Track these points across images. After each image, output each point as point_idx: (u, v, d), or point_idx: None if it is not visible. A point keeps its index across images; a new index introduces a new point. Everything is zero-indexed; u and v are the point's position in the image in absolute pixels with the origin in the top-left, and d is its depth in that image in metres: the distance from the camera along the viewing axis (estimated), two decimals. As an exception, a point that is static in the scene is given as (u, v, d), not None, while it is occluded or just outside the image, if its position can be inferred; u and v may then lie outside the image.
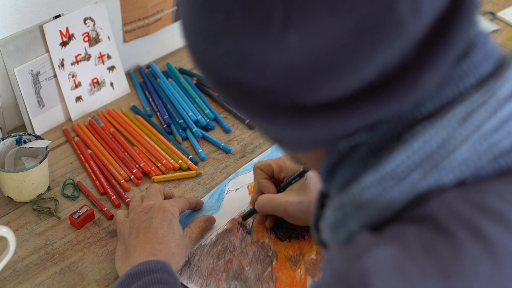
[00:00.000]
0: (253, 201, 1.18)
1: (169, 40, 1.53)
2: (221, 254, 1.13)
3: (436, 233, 0.59)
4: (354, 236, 0.64)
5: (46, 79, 1.33)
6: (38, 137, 1.23)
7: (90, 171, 1.27)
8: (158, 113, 1.40)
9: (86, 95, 1.39)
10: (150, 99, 1.43)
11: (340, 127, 0.62)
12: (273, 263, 1.12)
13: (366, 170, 0.63)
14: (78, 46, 1.36)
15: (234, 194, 1.24)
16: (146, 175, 1.28)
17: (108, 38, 1.40)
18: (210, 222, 1.17)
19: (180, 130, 1.36)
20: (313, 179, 1.13)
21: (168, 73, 1.49)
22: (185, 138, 1.35)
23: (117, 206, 1.22)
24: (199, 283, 1.09)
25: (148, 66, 1.50)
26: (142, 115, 1.39)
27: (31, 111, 1.32)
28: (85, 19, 1.35)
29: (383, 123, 0.63)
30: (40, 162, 1.18)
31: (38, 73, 1.31)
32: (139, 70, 1.50)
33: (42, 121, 1.34)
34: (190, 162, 1.29)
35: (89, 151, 1.31)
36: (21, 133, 1.23)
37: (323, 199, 0.74)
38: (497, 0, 1.71)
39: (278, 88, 0.61)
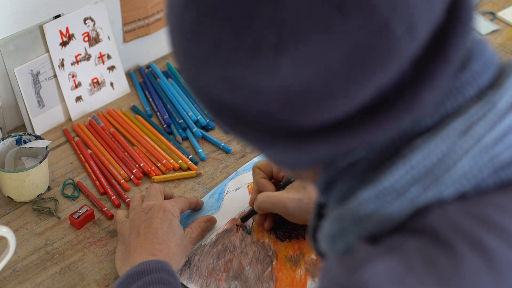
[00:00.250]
0: (252, 201, 1.17)
1: (169, 40, 1.53)
2: (221, 254, 1.13)
3: (436, 246, 0.58)
4: (353, 246, 0.63)
5: (46, 79, 1.33)
6: (38, 137, 1.23)
7: (90, 171, 1.27)
8: (158, 113, 1.40)
9: (86, 95, 1.39)
10: (150, 99, 1.43)
11: (338, 149, 0.61)
12: (273, 263, 1.12)
13: (364, 185, 0.62)
14: (78, 46, 1.36)
15: (234, 194, 1.24)
16: (146, 175, 1.28)
17: (108, 38, 1.40)
18: (211, 223, 1.17)
19: (180, 130, 1.36)
20: None
21: (168, 73, 1.49)
22: (185, 138, 1.35)
23: (117, 206, 1.22)
24: (199, 283, 1.09)
25: (148, 66, 1.50)
26: (142, 115, 1.39)
27: (31, 111, 1.32)
28: (85, 19, 1.35)
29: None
30: (40, 162, 1.18)
31: (38, 73, 1.31)
32: (139, 70, 1.50)
33: (42, 121, 1.34)
34: (190, 162, 1.29)
35: (89, 151, 1.31)
36: (21, 133, 1.23)
37: (320, 208, 0.74)
38: (497, 0, 1.71)
39: (273, 113, 0.60)
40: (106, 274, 1.11)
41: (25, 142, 1.23)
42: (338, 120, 0.59)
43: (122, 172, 1.27)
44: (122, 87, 1.44)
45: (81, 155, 1.30)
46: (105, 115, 1.39)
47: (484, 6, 1.70)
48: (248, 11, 0.56)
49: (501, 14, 1.66)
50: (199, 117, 1.37)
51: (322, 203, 0.73)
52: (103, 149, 1.31)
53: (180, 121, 1.37)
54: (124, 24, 1.44)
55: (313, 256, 1.13)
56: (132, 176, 1.27)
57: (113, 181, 1.26)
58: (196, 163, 1.30)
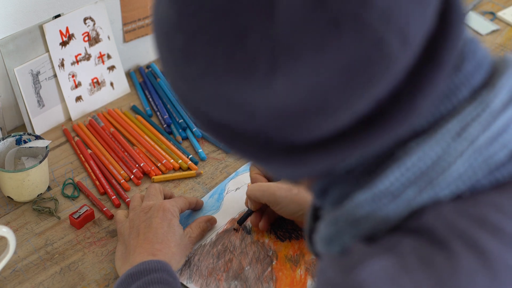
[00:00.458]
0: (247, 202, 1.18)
1: (169, 40, 1.53)
2: (221, 254, 1.13)
3: (432, 246, 0.59)
4: (349, 247, 0.63)
5: (46, 79, 1.33)
6: (38, 137, 1.23)
7: (90, 171, 1.27)
8: (158, 113, 1.40)
9: (86, 95, 1.39)
10: (150, 99, 1.43)
11: (336, 161, 0.61)
12: (273, 263, 1.12)
13: (359, 188, 0.62)
14: (78, 46, 1.36)
15: (234, 194, 1.24)
16: (146, 175, 1.28)
17: (108, 38, 1.40)
18: (211, 223, 1.17)
19: (180, 130, 1.36)
20: None
21: (168, 73, 1.48)
22: (185, 138, 1.35)
23: (117, 206, 1.22)
24: (199, 283, 1.09)
25: (148, 66, 1.50)
26: (142, 115, 1.39)
27: (31, 111, 1.32)
28: (85, 19, 1.35)
29: None
30: (40, 162, 1.18)
31: (38, 73, 1.31)
32: (139, 70, 1.50)
33: (42, 121, 1.34)
34: (190, 162, 1.29)
35: (89, 151, 1.31)
36: (21, 133, 1.23)
37: (316, 211, 0.74)
38: (497, 0, 1.71)
39: (270, 130, 0.59)
40: (106, 274, 1.11)
41: (25, 142, 1.23)
42: (335, 134, 0.59)
43: (122, 172, 1.27)
44: (122, 87, 1.44)
45: (81, 155, 1.30)
46: (105, 115, 1.39)
47: (484, 6, 1.70)
48: (239, 30, 0.55)
49: (501, 14, 1.66)
50: (199, 117, 1.37)
51: (318, 206, 0.73)
52: (103, 149, 1.31)
53: (180, 121, 1.37)
54: (124, 24, 1.44)
55: (313, 256, 1.13)
56: (132, 176, 1.27)
57: (113, 181, 1.26)
58: (196, 163, 1.30)
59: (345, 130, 0.59)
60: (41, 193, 1.22)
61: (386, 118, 0.58)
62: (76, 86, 1.37)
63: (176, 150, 1.32)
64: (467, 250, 0.58)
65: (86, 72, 1.38)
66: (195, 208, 1.20)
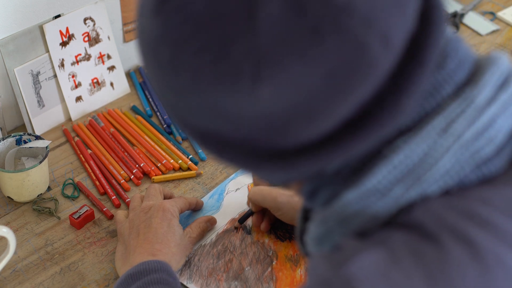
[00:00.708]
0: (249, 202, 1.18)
1: (169, 40, 1.53)
2: (221, 254, 1.13)
3: (422, 239, 0.59)
4: (339, 244, 0.63)
5: (46, 79, 1.33)
6: (38, 137, 1.23)
7: (90, 171, 1.27)
8: (158, 113, 1.40)
9: (86, 95, 1.39)
10: (150, 99, 1.43)
11: (324, 164, 0.61)
12: (273, 263, 1.12)
13: (347, 187, 0.63)
14: (78, 46, 1.36)
15: (234, 194, 1.24)
16: (146, 175, 1.28)
17: (108, 38, 1.40)
18: (211, 223, 1.17)
19: (180, 130, 1.36)
20: None
21: (168, 73, 1.48)
22: (185, 138, 1.35)
23: (117, 206, 1.22)
24: (199, 283, 1.09)
25: (148, 66, 1.50)
26: (142, 115, 1.39)
27: (31, 111, 1.32)
28: (85, 19, 1.35)
29: None
30: (40, 162, 1.18)
31: (38, 73, 1.31)
32: (139, 70, 1.50)
33: (42, 121, 1.34)
34: (190, 162, 1.29)
35: (89, 151, 1.31)
36: (21, 133, 1.23)
37: (306, 213, 0.74)
38: (497, 0, 1.71)
39: (257, 137, 0.60)
40: (106, 274, 1.11)
41: (25, 142, 1.23)
42: (322, 137, 0.60)
43: (122, 172, 1.27)
44: (122, 87, 1.44)
45: (81, 155, 1.30)
46: (105, 115, 1.39)
47: (484, 6, 1.70)
48: (222, 41, 0.55)
49: (501, 14, 1.66)
50: (199, 117, 1.37)
51: (308, 208, 0.73)
52: (103, 149, 1.31)
53: (180, 121, 1.37)
54: (124, 24, 1.44)
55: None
56: (132, 176, 1.27)
57: (113, 181, 1.26)
58: (196, 163, 1.30)
59: (331, 133, 0.59)
60: (41, 193, 1.22)
61: (372, 119, 0.59)
62: (76, 86, 1.37)
63: (176, 150, 1.32)
64: (456, 243, 0.58)
65: (86, 72, 1.38)
66: (195, 208, 1.20)
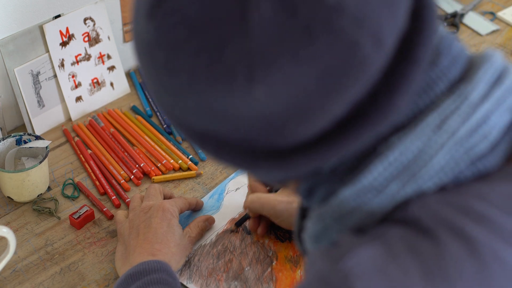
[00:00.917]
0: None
1: (169, 40, 1.53)
2: (221, 254, 1.13)
3: (419, 234, 0.60)
4: (337, 240, 0.64)
5: (46, 79, 1.33)
6: (38, 137, 1.23)
7: (90, 171, 1.27)
8: (158, 113, 1.40)
9: (86, 95, 1.39)
10: (150, 99, 1.43)
11: (320, 162, 0.62)
12: (273, 264, 1.12)
13: (343, 185, 0.63)
14: (78, 46, 1.36)
15: (234, 194, 1.24)
16: (146, 175, 1.28)
17: (108, 38, 1.40)
18: (209, 222, 1.17)
19: (178, 132, 1.36)
20: None
21: (168, 73, 1.48)
22: (185, 138, 1.35)
23: (117, 206, 1.22)
24: (199, 283, 1.09)
25: (148, 66, 1.50)
26: (142, 115, 1.39)
27: (31, 111, 1.32)
28: (85, 19, 1.35)
29: None
30: (40, 162, 1.18)
31: (38, 73, 1.31)
32: (139, 70, 1.50)
33: (42, 121, 1.34)
34: (190, 162, 1.29)
35: (89, 151, 1.31)
36: (21, 133, 1.23)
37: (303, 211, 0.75)
38: (497, 0, 1.71)
39: (254, 136, 0.61)
40: (106, 275, 1.11)
41: (25, 142, 1.24)
42: (318, 136, 0.60)
43: (122, 172, 1.27)
44: (122, 87, 1.44)
45: (81, 155, 1.30)
46: (105, 115, 1.39)
47: (484, 6, 1.70)
48: (216, 43, 0.56)
49: (501, 14, 1.66)
50: (199, 117, 1.37)
51: (305, 206, 0.74)
52: (103, 149, 1.31)
53: (180, 121, 1.37)
54: (124, 24, 1.44)
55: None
56: (132, 176, 1.27)
57: (113, 181, 1.26)
58: (196, 163, 1.30)
59: (327, 132, 0.60)
60: (41, 193, 1.22)
61: (366, 117, 0.59)
62: (76, 86, 1.37)
63: (176, 150, 1.32)
64: (453, 238, 0.59)
65: (86, 72, 1.38)
66: (195, 208, 1.20)
